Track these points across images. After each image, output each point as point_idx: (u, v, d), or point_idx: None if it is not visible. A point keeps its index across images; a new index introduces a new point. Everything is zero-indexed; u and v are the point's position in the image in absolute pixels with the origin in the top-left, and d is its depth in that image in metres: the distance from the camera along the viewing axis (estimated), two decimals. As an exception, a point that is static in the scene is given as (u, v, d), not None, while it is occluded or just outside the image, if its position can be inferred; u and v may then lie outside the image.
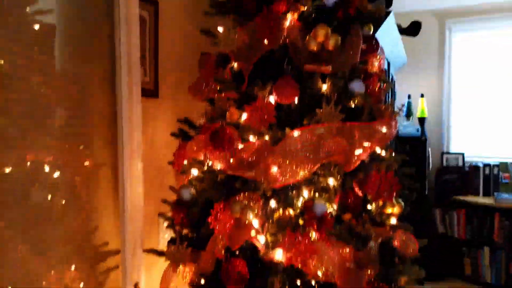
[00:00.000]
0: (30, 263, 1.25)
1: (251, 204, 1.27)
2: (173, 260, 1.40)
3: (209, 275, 1.29)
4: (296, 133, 1.23)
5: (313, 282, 1.27)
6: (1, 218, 1.17)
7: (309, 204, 1.20)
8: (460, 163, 3.97)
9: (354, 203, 1.25)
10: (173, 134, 1.58)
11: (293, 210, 1.26)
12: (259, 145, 1.28)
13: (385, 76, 1.51)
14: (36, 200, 1.31)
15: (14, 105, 1.23)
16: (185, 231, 1.47)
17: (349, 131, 1.21)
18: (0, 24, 1.18)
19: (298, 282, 1.29)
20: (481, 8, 3.95)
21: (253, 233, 1.25)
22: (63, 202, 1.42)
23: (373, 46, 1.41)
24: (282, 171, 1.23)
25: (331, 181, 1.28)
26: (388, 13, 2.04)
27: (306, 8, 1.33)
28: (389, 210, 1.32)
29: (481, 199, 3.71)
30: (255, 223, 1.26)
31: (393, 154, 1.43)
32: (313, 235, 1.16)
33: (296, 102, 1.31)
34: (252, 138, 1.32)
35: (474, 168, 3.85)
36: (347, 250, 1.18)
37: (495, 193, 3.67)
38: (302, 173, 1.22)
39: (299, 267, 1.18)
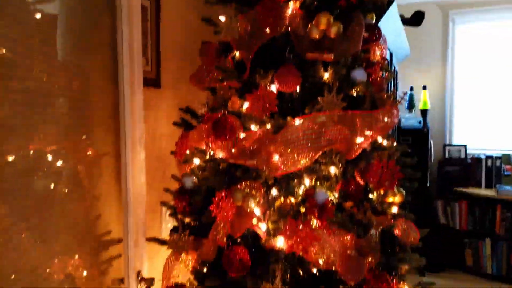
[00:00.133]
0: (33, 251, 1.26)
1: (253, 192, 1.27)
2: (175, 248, 1.41)
3: (211, 262, 1.30)
4: (297, 121, 1.23)
5: (314, 270, 1.28)
6: (4, 206, 1.18)
7: (310, 192, 1.21)
8: (463, 155, 3.97)
9: (356, 192, 1.26)
10: (175, 124, 1.58)
11: (295, 198, 1.26)
12: (260, 133, 1.28)
13: (387, 65, 1.50)
14: (39, 188, 1.32)
15: (16, 94, 1.23)
16: (187, 219, 1.48)
17: (350, 120, 1.21)
18: (1, 14, 1.17)
19: (300, 271, 1.30)
20: (485, -1, 3.93)
21: (254, 221, 1.26)
22: (66, 191, 1.42)
23: (375, 35, 1.40)
24: (284, 159, 1.24)
25: (333, 170, 1.28)
26: (390, 2, 2.02)
27: (308, -5, 1.33)
28: (390, 199, 1.32)
29: (483, 191, 3.72)
30: (257, 211, 1.26)
31: (395, 144, 1.43)
32: (314, 222, 1.17)
33: (298, 90, 1.31)
34: (253, 127, 1.32)
35: (476, 160, 3.85)
36: (348, 238, 1.19)
37: (497, 185, 3.68)
38: (303, 162, 1.23)
39: (300, 254, 1.19)
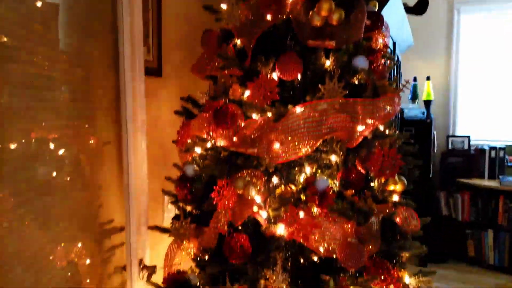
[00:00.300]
0: (36, 238, 1.27)
1: (254, 180, 1.27)
2: (177, 236, 1.42)
3: (212, 250, 1.31)
4: (298, 109, 1.22)
5: (315, 258, 1.29)
6: (6, 192, 1.19)
7: (311, 180, 1.21)
8: (466, 146, 3.95)
9: (356, 180, 1.25)
10: (176, 112, 1.58)
11: (295, 186, 1.26)
12: (261, 122, 1.28)
13: (389, 53, 1.49)
14: (41, 176, 1.33)
15: (18, 83, 1.23)
16: (188, 207, 1.49)
17: (352, 107, 1.21)
18: (2, 2, 1.17)
19: (300, 259, 1.30)
20: (491, -12, 3.88)
21: (255, 208, 1.27)
22: (68, 179, 1.43)
23: (377, 22, 1.39)
24: (285, 147, 1.24)
25: (334, 158, 1.28)
26: (394, -9, 2.00)
27: (309, -18, 1.31)
28: (391, 187, 1.32)
29: (486, 182, 3.71)
30: (258, 198, 1.27)
31: (396, 132, 1.43)
32: (315, 210, 1.17)
33: (299, 78, 1.30)
34: (255, 115, 1.32)
35: (480, 151, 3.84)
36: (349, 225, 1.19)
37: (500, 176, 3.66)
38: (304, 150, 1.22)
39: (301, 241, 1.19)
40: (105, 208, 1.57)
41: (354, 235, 1.19)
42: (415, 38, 3.57)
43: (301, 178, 1.28)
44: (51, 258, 1.34)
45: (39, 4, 1.32)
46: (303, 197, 1.21)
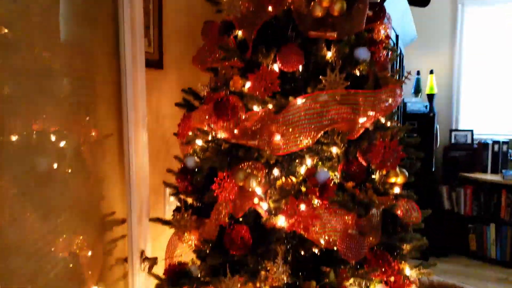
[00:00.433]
0: (37, 229, 1.28)
1: (255, 172, 1.27)
2: (178, 228, 1.42)
3: (213, 241, 1.31)
4: (299, 101, 1.22)
5: (315, 250, 1.29)
6: (7, 183, 1.19)
7: (311, 171, 1.21)
8: (469, 140, 3.94)
9: (358, 172, 1.25)
10: (177, 104, 1.58)
11: (296, 177, 1.26)
12: (262, 113, 1.28)
13: (392, 46, 1.48)
14: (42, 168, 1.33)
15: (18, 74, 1.23)
16: (189, 200, 1.49)
17: (353, 99, 1.20)
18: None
19: (301, 251, 1.30)
20: (495, -19, 3.85)
21: (256, 200, 1.27)
22: (69, 171, 1.43)
23: (380, 13, 1.38)
24: (285, 139, 1.23)
25: (334, 150, 1.27)
26: (397, -18, 1.98)
27: (311, -27, 1.30)
28: (392, 180, 1.31)
29: (489, 176, 3.70)
30: (258, 190, 1.27)
31: (398, 125, 1.42)
32: (315, 202, 1.17)
33: (300, 69, 1.29)
34: (255, 107, 1.32)
35: (483, 145, 3.82)
36: (349, 217, 1.19)
37: (503, 170, 3.66)
38: (305, 142, 1.22)
39: (302, 233, 1.19)
40: (107, 200, 1.57)
41: (354, 227, 1.19)
42: (418, 32, 3.55)
43: (302, 170, 1.28)
44: (52, 249, 1.35)
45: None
46: (303, 189, 1.21)
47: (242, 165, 1.30)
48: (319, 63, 1.27)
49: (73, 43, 1.44)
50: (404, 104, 3.75)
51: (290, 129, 1.22)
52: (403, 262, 1.32)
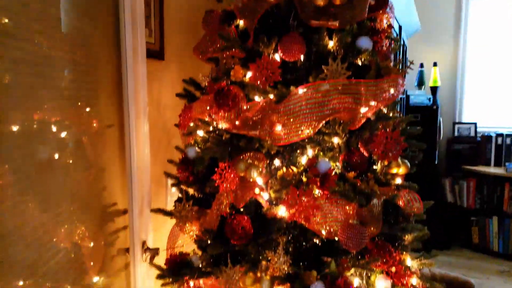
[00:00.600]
0: (38, 219, 1.28)
1: (256, 162, 1.27)
2: (179, 218, 1.42)
3: (214, 231, 1.31)
4: (300, 90, 1.21)
5: (316, 241, 1.29)
6: (8, 173, 1.19)
7: (313, 162, 1.20)
8: (472, 133, 3.92)
9: (359, 162, 1.24)
10: (178, 95, 1.57)
11: (297, 168, 1.26)
12: (263, 103, 1.27)
13: (396, 37, 1.47)
14: (43, 158, 1.33)
15: (19, 64, 1.23)
16: (191, 191, 1.49)
17: (355, 88, 1.19)
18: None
19: (302, 241, 1.30)
20: (501, -29, 3.80)
21: (257, 190, 1.26)
22: (70, 161, 1.43)
23: (382, 2, 1.36)
24: (287, 129, 1.22)
25: (336, 140, 1.27)
26: (400, -29, 1.96)
27: (313, -39, 1.28)
28: (394, 170, 1.31)
29: (492, 169, 3.69)
30: (259, 180, 1.26)
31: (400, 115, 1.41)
32: (316, 192, 1.17)
33: (302, 59, 1.28)
34: (257, 97, 1.31)
35: (486, 138, 3.80)
36: (350, 207, 1.18)
37: (507, 163, 3.64)
38: (306, 131, 1.21)
39: (303, 223, 1.19)
40: (108, 191, 1.57)
41: (355, 217, 1.18)
42: (422, 23, 3.52)
43: (303, 160, 1.27)
44: (54, 239, 1.35)
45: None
46: (304, 179, 1.20)
47: (243, 155, 1.29)
48: (321, 52, 1.26)
49: (74, 33, 1.43)
50: (408, 96, 3.73)
51: (291, 119, 1.21)
52: (404, 252, 1.32)
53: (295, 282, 1.20)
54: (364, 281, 1.24)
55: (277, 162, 1.30)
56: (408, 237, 1.32)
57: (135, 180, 1.58)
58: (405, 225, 1.24)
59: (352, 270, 1.23)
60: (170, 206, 1.77)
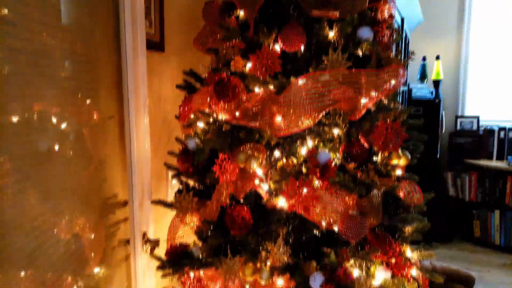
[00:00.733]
0: (38, 210, 1.28)
1: (256, 153, 1.27)
2: (179, 210, 1.42)
3: (214, 222, 1.31)
4: (300, 81, 1.20)
5: (316, 232, 1.29)
6: (8, 163, 1.19)
7: (312, 152, 1.20)
8: (475, 127, 3.90)
9: (359, 153, 1.24)
10: (178, 86, 1.57)
11: (297, 159, 1.25)
12: (263, 94, 1.27)
13: (396, 27, 1.45)
14: (43, 149, 1.33)
15: (19, 55, 1.22)
16: (191, 182, 1.49)
17: (355, 79, 1.18)
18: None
19: (302, 232, 1.30)
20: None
21: (257, 181, 1.26)
22: (71, 153, 1.43)
23: (383, -8, 1.35)
24: (287, 120, 1.22)
25: (336, 131, 1.26)
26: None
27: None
28: (394, 162, 1.30)
29: (494, 163, 3.68)
30: (259, 172, 1.26)
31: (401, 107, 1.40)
32: (316, 182, 1.16)
33: (302, 49, 1.27)
34: (257, 88, 1.30)
35: (489, 132, 3.79)
36: (350, 198, 1.18)
37: (509, 157, 3.63)
38: (306, 122, 1.21)
39: (302, 213, 1.19)
40: (109, 182, 1.57)
41: (355, 208, 1.18)
42: (425, 16, 3.49)
43: (303, 151, 1.27)
44: (55, 230, 1.36)
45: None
46: (304, 170, 1.20)
47: (243, 146, 1.29)
48: (321, 42, 1.25)
49: (74, 24, 1.43)
50: (410, 90, 3.72)
51: (291, 110, 1.21)
52: (404, 244, 1.31)
53: (294, 273, 1.20)
54: (364, 272, 1.24)
55: (277, 153, 1.30)
56: (408, 229, 1.32)
57: (135, 171, 1.58)
58: (405, 215, 1.23)
59: (352, 261, 1.23)
60: (171, 198, 1.77)
